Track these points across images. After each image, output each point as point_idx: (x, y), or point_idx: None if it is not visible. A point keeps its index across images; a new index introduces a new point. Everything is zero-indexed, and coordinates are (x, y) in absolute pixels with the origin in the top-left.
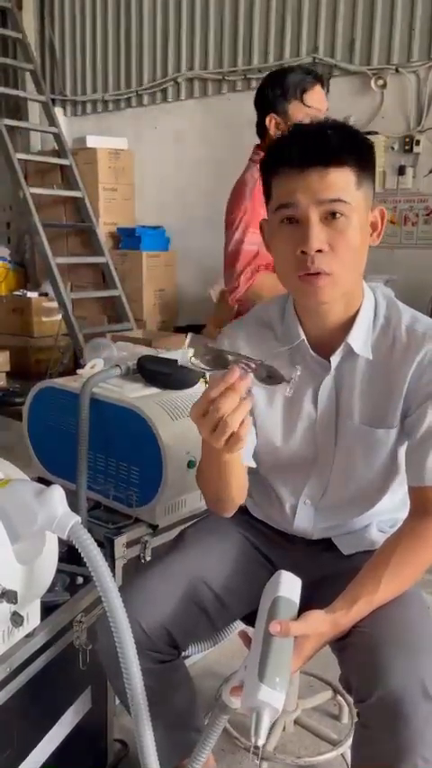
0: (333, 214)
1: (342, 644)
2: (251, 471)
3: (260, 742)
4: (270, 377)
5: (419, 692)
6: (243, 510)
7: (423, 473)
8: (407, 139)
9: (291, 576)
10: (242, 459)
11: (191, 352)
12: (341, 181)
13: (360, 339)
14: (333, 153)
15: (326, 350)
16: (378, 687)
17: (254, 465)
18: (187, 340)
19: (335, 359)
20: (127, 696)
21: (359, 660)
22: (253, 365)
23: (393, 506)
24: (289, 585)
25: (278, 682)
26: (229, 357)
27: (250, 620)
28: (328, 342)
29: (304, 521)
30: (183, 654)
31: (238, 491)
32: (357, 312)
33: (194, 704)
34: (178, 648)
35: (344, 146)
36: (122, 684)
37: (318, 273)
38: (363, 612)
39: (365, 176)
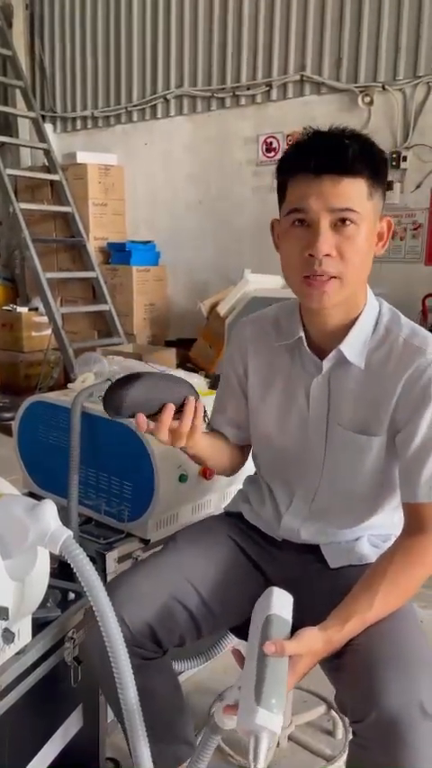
0: (343, 221)
1: (336, 664)
2: (252, 479)
3: (260, 767)
4: None
5: (417, 710)
6: (238, 516)
7: (416, 489)
8: (394, 155)
9: (282, 593)
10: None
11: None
12: (353, 191)
13: (355, 347)
14: (348, 163)
15: (323, 351)
16: (374, 708)
17: (219, 430)
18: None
19: (327, 363)
20: (120, 708)
21: (354, 680)
22: None
23: (390, 523)
24: (280, 603)
25: (275, 704)
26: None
27: (239, 632)
28: (327, 343)
29: (293, 519)
30: (166, 652)
31: (221, 462)
32: (356, 319)
33: (184, 715)
34: (162, 647)
35: (359, 157)
36: (116, 696)
37: (327, 278)
38: (356, 629)
39: (377, 188)
